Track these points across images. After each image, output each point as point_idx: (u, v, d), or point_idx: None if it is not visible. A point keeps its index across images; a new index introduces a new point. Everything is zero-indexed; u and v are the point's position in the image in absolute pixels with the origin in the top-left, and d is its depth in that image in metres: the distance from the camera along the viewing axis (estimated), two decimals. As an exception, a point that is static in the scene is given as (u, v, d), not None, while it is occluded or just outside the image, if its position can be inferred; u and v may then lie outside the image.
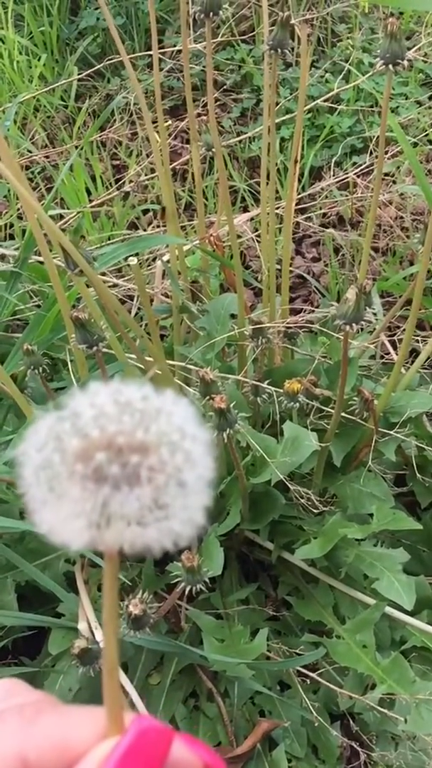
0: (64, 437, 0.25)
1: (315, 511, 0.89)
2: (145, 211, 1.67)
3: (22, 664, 0.97)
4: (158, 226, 1.58)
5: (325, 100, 1.68)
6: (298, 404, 0.91)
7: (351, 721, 0.86)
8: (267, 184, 0.95)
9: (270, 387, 0.94)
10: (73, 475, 0.24)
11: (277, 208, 1.22)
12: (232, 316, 1.05)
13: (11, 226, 1.63)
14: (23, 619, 0.91)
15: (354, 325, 0.72)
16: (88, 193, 1.62)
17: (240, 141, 1.72)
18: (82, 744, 0.27)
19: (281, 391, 0.92)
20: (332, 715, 0.90)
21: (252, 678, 0.84)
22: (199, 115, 1.69)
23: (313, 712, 0.84)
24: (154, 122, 1.07)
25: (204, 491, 0.25)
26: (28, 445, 0.26)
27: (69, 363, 1.04)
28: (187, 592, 0.82)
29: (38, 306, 1.19)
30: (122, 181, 1.67)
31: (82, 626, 0.87)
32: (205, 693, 0.93)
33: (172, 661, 0.94)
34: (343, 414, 0.92)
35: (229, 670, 0.82)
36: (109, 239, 1.44)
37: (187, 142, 1.83)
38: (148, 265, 1.42)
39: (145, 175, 1.60)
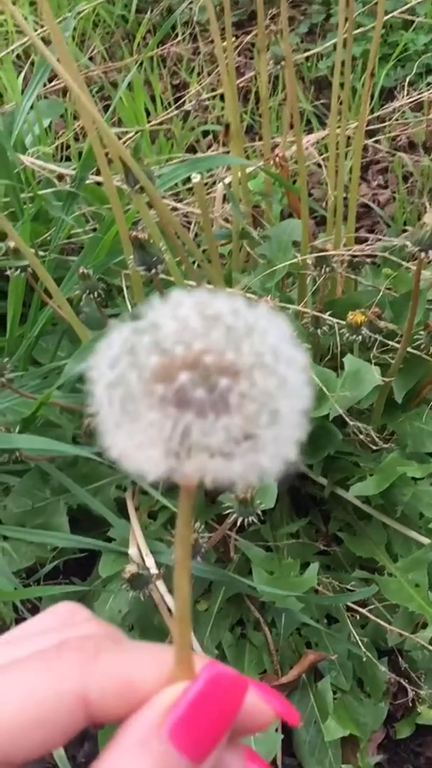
0: (141, 352, 0.22)
1: (373, 447, 0.87)
2: (205, 134, 1.61)
3: (72, 584, 0.99)
4: (218, 149, 1.52)
5: (400, 13, 1.57)
6: (360, 337, 0.87)
7: (399, 658, 0.85)
8: (339, 102, 0.88)
9: (331, 318, 0.90)
10: (151, 396, 0.21)
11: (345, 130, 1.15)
12: (294, 243, 1.00)
13: (67, 147, 1.59)
14: (75, 541, 0.92)
15: (430, 252, 0.67)
16: (147, 114, 1.56)
17: (307, 59, 1.63)
18: (147, 686, 0.25)
19: (343, 323, 0.88)
20: (380, 651, 0.89)
21: (300, 610, 0.84)
22: (266, 26, 1.59)
23: (362, 647, 0.84)
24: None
25: (298, 423, 0.22)
26: (100, 360, 0.23)
27: (124, 289, 1.02)
28: (237, 524, 0.81)
29: (94, 230, 1.16)
30: (182, 100, 1.61)
31: (132, 551, 0.87)
32: (252, 622, 0.94)
33: (219, 589, 0.94)
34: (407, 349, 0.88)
35: (278, 602, 0.82)
36: (166, 162, 1.39)
37: (251, 59, 1.74)
38: (207, 191, 1.37)
39: (206, 93, 1.54)
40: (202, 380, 0.21)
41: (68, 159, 1.58)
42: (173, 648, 0.26)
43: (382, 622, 0.84)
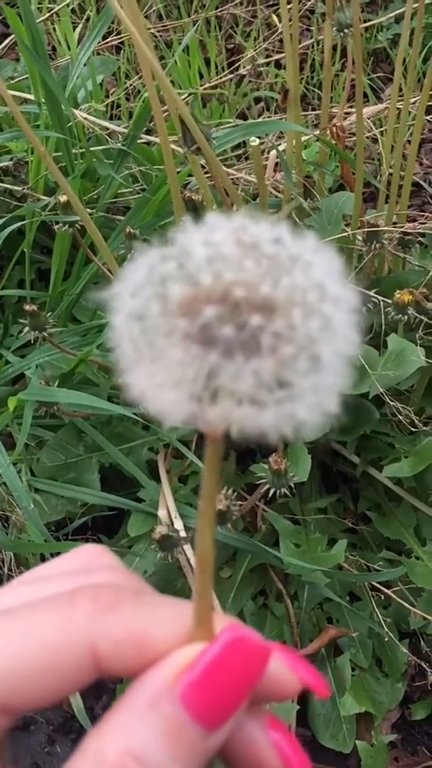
0: (167, 281, 0.19)
1: (410, 429, 0.86)
2: (257, 101, 1.58)
3: (99, 541, 1.00)
4: (269, 117, 1.49)
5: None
6: (406, 317, 0.86)
7: (421, 641, 0.85)
8: (404, 75, 0.86)
9: (377, 296, 0.89)
10: (173, 331, 0.19)
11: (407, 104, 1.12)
12: (343, 217, 0.99)
13: (117, 106, 1.57)
14: (105, 499, 0.93)
15: None
16: (200, 76, 1.54)
17: (366, 29, 1.58)
18: (163, 644, 0.23)
19: (389, 301, 0.87)
20: (401, 633, 0.89)
21: (325, 585, 0.84)
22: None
23: (384, 626, 0.84)
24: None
25: (341, 371, 0.19)
26: (122, 288, 0.20)
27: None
28: (268, 495, 0.81)
29: (141, 190, 1.15)
30: (236, 65, 1.58)
31: (162, 513, 0.88)
32: (275, 593, 0.94)
33: (244, 558, 0.94)
34: (453, 332, 0.86)
35: (304, 575, 0.82)
36: (217, 127, 1.37)
37: (308, 28, 1.71)
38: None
39: (261, 59, 1.51)
40: (230, 316, 0.18)
41: (118, 118, 1.56)
42: (192, 604, 0.24)
43: (406, 604, 0.84)
